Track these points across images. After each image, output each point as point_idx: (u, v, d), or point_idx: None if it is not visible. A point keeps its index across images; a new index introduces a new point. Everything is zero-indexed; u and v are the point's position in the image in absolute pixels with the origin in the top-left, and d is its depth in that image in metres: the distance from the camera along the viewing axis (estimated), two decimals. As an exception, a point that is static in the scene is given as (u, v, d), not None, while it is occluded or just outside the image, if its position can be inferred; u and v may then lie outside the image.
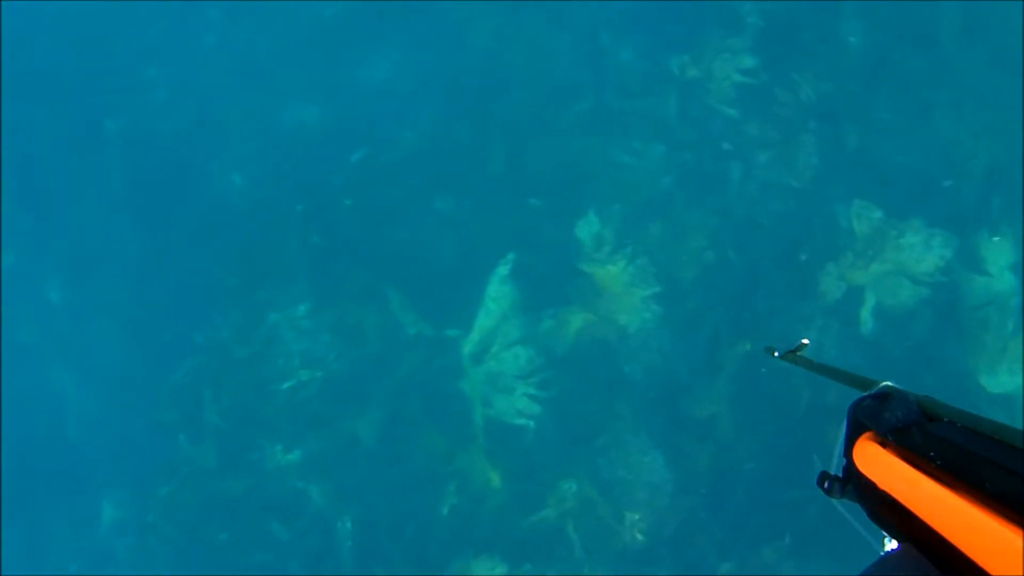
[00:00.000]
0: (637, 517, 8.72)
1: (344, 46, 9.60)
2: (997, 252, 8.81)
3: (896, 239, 8.59)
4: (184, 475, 8.89)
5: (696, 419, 9.00)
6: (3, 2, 9.89)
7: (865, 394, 1.32)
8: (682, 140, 8.96)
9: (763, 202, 9.08)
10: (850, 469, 1.24)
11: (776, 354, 2.03)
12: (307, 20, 9.63)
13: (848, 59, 8.97)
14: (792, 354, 2.00)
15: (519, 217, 8.38)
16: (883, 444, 1.15)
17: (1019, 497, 0.88)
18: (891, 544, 1.17)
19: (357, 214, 8.86)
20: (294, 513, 8.59)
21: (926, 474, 1.02)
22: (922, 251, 8.70)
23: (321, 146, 9.23)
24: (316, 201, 9.08)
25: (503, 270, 8.08)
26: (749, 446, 8.86)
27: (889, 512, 1.12)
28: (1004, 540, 0.84)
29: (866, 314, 8.90)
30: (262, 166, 9.35)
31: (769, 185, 9.12)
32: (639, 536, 8.70)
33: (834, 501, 1.34)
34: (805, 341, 1.88)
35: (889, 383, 1.33)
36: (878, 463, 1.13)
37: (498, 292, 7.95)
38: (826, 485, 1.32)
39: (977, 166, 9.05)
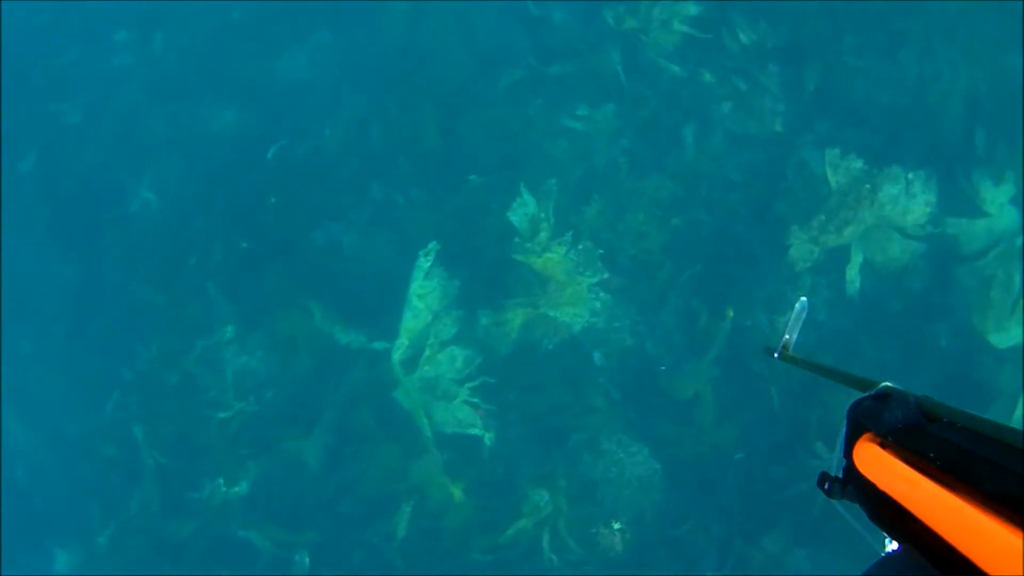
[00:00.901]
0: (623, 522, 7.85)
1: (257, 45, 8.90)
2: (993, 189, 7.84)
3: (877, 187, 7.62)
4: (128, 519, 8.19)
5: (679, 401, 8.12)
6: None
7: (864, 395, 1.28)
8: (632, 98, 8.10)
9: (728, 157, 8.18)
10: (850, 470, 1.22)
11: (776, 355, 1.94)
12: (215, 26, 8.95)
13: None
14: (788, 353, 1.95)
15: (448, 203, 7.61)
16: (883, 445, 1.13)
17: (1019, 497, 0.87)
18: (891, 545, 1.14)
19: (282, 217, 8.14)
20: (246, 553, 7.84)
21: (926, 475, 1.02)
22: (907, 200, 7.74)
23: (242, 150, 8.53)
24: (239, 208, 8.38)
25: (425, 263, 7.28)
26: (740, 425, 7.96)
27: (889, 513, 1.09)
28: (1004, 541, 0.83)
29: (853, 273, 7.96)
30: (182, 182, 8.66)
31: (734, 137, 8.22)
32: (626, 539, 7.82)
33: (834, 502, 1.32)
34: (803, 298, 1.83)
35: (889, 383, 1.28)
36: (878, 464, 1.11)
37: (423, 288, 7.16)
38: (826, 486, 1.30)
39: (955, 100, 8.08)
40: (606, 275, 7.60)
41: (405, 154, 8.33)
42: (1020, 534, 0.83)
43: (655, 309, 8.00)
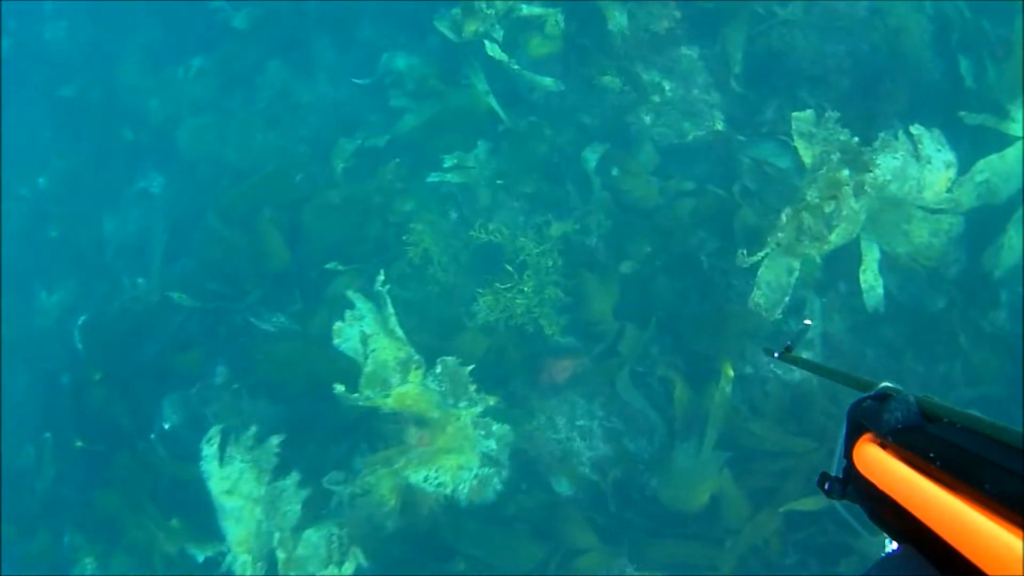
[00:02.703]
0: None
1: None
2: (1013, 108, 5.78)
3: (869, 162, 5.49)
4: None
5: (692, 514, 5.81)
6: None
7: (864, 395, 1.26)
8: (512, 128, 6.12)
9: (664, 177, 6.13)
10: (850, 470, 1.20)
11: (776, 355, 1.80)
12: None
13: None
14: (789, 353, 1.83)
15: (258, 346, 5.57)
16: (883, 445, 1.14)
17: (1019, 498, 0.88)
18: (891, 545, 1.12)
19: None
20: None
21: (926, 475, 1.02)
22: (920, 168, 5.62)
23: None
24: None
25: (209, 449, 5.15)
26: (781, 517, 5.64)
27: (889, 513, 1.09)
28: (1004, 541, 0.84)
29: (871, 276, 5.77)
30: None
31: (665, 150, 6.19)
32: None
33: (834, 502, 1.29)
34: (808, 322, 1.78)
35: (889, 384, 1.23)
36: (878, 464, 1.12)
37: (223, 481, 4.97)
38: (826, 487, 1.27)
39: (921, 28, 6.12)
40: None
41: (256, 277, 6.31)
42: (1020, 534, 0.84)
43: (617, 398, 5.77)
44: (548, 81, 5.90)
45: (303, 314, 6.06)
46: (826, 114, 5.37)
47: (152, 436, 6.29)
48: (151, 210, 7.83)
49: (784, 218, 5.37)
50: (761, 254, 5.42)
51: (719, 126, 6.26)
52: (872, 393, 1.26)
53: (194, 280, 6.49)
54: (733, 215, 6.01)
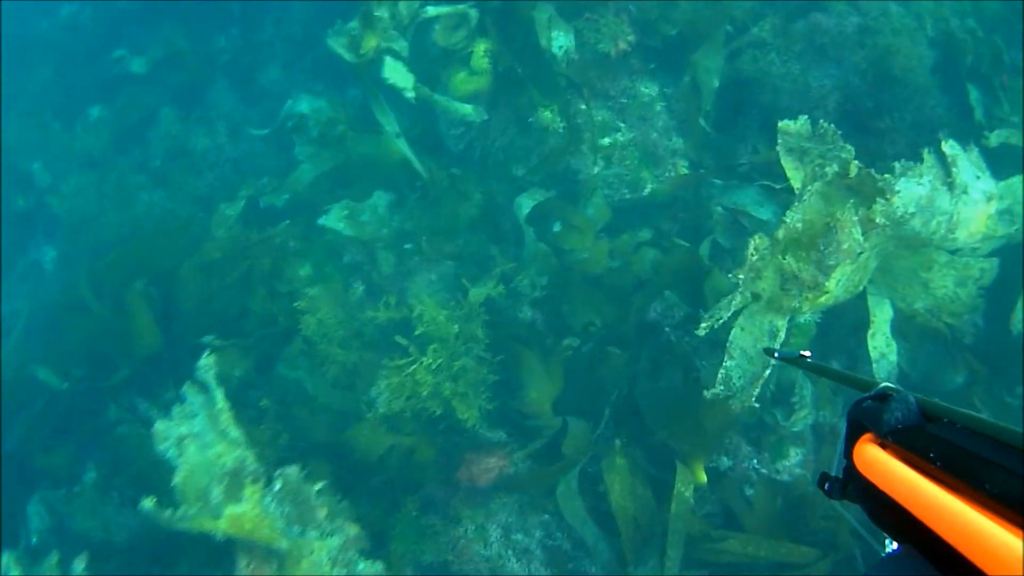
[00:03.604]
0: None
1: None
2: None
3: (888, 185, 4.30)
4: None
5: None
6: None
7: (865, 395, 1.24)
8: (430, 183, 5.05)
9: (618, 237, 5.03)
10: (850, 470, 1.19)
11: (776, 355, 1.80)
12: None
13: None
14: (788, 354, 1.79)
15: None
16: (883, 445, 1.13)
17: (1019, 498, 0.88)
18: (892, 545, 1.12)
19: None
20: None
21: (926, 475, 1.01)
22: (955, 201, 4.45)
23: None
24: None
25: None
26: None
27: (889, 513, 1.08)
28: (1004, 541, 0.84)
29: (881, 342, 4.60)
30: None
31: (619, 207, 5.10)
32: None
33: (834, 502, 1.27)
34: (806, 353, 1.64)
35: (889, 384, 1.21)
36: (878, 465, 1.11)
37: None
38: (826, 487, 1.26)
39: (917, 42, 5.09)
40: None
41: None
42: (1020, 534, 0.83)
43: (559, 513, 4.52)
44: (467, 109, 4.86)
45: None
46: (822, 125, 4.28)
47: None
48: (41, 285, 6.80)
49: (755, 250, 4.20)
50: (728, 309, 4.25)
51: (684, 171, 5.20)
52: (872, 393, 1.23)
53: (58, 362, 5.38)
54: (703, 278, 4.89)
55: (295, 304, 4.72)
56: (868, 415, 1.20)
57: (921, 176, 4.29)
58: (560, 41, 5.12)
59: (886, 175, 4.07)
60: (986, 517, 0.89)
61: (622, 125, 5.06)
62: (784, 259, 4.27)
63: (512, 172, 4.96)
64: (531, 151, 5.03)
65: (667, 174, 5.04)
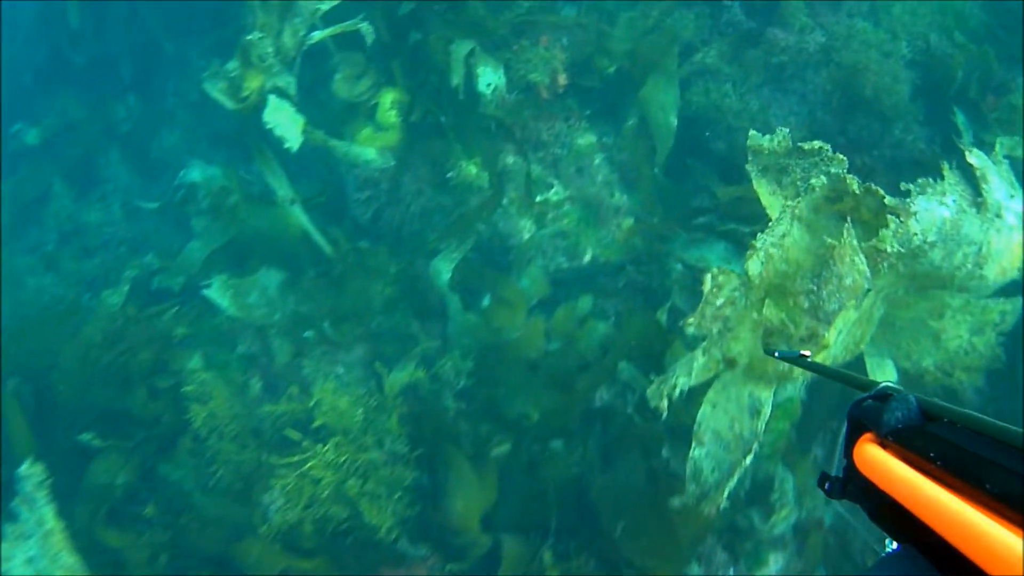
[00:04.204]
0: None
1: None
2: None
3: (905, 206, 3.50)
4: None
5: None
6: None
7: (865, 395, 1.23)
8: (336, 259, 4.34)
9: (560, 295, 4.29)
10: (851, 470, 1.19)
11: (776, 354, 1.74)
12: None
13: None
14: (787, 352, 1.75)
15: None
16: (883, 445, 1.12)
17: (1020, 498, 0.87)
18: (892, 545, 1.11)
19: None
20: None
21: (926, 475, 1.01)
22: (986, 219, 3.61)
23: None
24: None
25: None
26: None
27: (890, 513, 1.08)
28: (1004, 541, 0.83)
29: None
30: None
31: (556, 277, 4.36)
32: None
33: (835, 502, 1.26)
34: (806, 352, 1.63)
35: (889, 383, 1.19)
36: (878, 464, 1.10)
37: None
38: (827, 486, 1.25)
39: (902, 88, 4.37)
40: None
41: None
42: (1021, 534, 0.83)
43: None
44: (370, 154, 4.15)
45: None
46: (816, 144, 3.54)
47: None
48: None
49: (715, 287, 3.47)
50: (689, 375, 3.49)
51: (631, 227, 4.46)
52: (873, 393, 1.22)
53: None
54: (664, 349, 4.15)
55: (184, 389, 4.00)
56: (868, 415, 1.19)
57: (944, 195, 3.47)
58: (488, 78, 4.42)
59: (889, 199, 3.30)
60: (987, 516, 0.88)
61: (555, 181, 4.35)
62: (764, 310, 3.52)
63: (430, 240, 4.24)
64: (451, 210, 4.32)
65: (610, 236, 4.31)
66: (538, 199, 4.33)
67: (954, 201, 3.46)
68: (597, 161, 4.37)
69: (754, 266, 3.55)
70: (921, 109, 4.37)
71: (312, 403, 3.72)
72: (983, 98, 4.49)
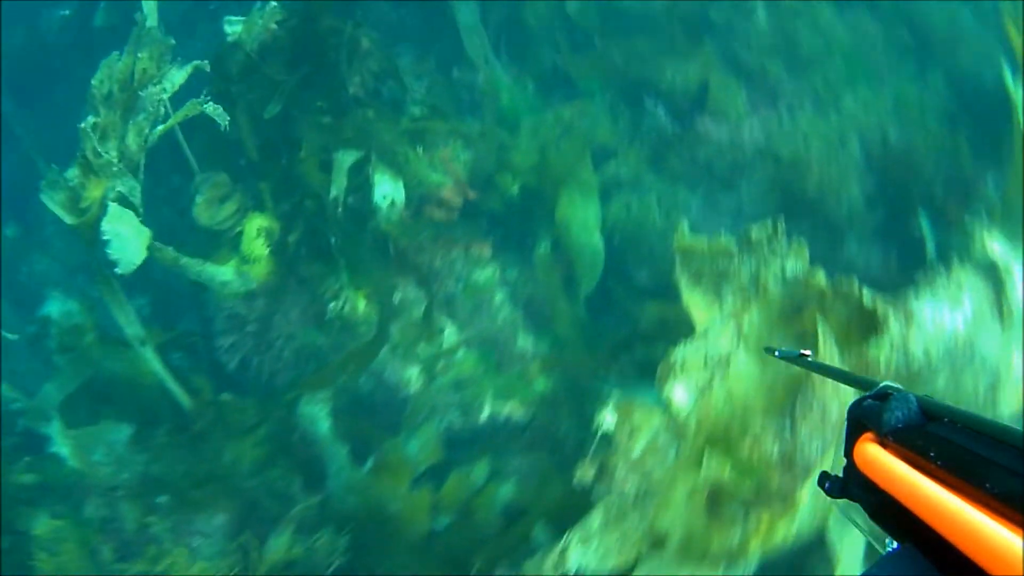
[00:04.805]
0: None
1: None
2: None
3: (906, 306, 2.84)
4: None
5: None
6: None
7: (865, 394, 1.21)
8: (195, 413, 3.72)
9: (458, 456, 3.65)
10: (851, 469, 1.17)
11: (776, 354, 1.73)
12: None
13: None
14: (787, 352, 1.72)
15: None
16: (883, 444, 1.10)
17: (1020, 497, 0.85)
18: (892, 544, 1.09)
19: None
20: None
21: (926, 474, 0.99)
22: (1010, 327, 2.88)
23: None
24: None
25: None
26: None
27: (890, 512, 1.05)
28: (1004, 541, 0.81)
29: None
30: None
31: (451, 426, 3.71)
32: None
33: (835, 501, 1.25)
34: (806, 352, 1.61)
35: (889, 383, 1.19)
36: (878, 463, 1.08)
37: None
38: (827, 486, 1.23)
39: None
40: None
41: None
42: (1022, 533, 0.80)
43: None
44: (226, 274, 3.54)
45: None
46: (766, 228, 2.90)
47: None
48: None
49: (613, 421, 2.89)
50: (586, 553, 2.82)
51: (538, 378, 3.80)
52: (873, 392, 1.20)
53: None
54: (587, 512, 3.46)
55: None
56: (869, 414, 1.16)
57: (954, 290, 2.79)
58: (384, 188, 3.83)
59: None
60: (987, 516, 0.86)
61: (448, 321, 3.72)
62: (704, 465, 2.84)
63: (303, 390, 3.62)
64: (328, 357, 3.70)
65: (514, 385, 3.67)
66: (432, 350, 3.71)
67: (963, 300, 2.76)
68: (498, 298, 3.75)
69: (679, 394, 2.92)
70: (880, 220, 3.74)
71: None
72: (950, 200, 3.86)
